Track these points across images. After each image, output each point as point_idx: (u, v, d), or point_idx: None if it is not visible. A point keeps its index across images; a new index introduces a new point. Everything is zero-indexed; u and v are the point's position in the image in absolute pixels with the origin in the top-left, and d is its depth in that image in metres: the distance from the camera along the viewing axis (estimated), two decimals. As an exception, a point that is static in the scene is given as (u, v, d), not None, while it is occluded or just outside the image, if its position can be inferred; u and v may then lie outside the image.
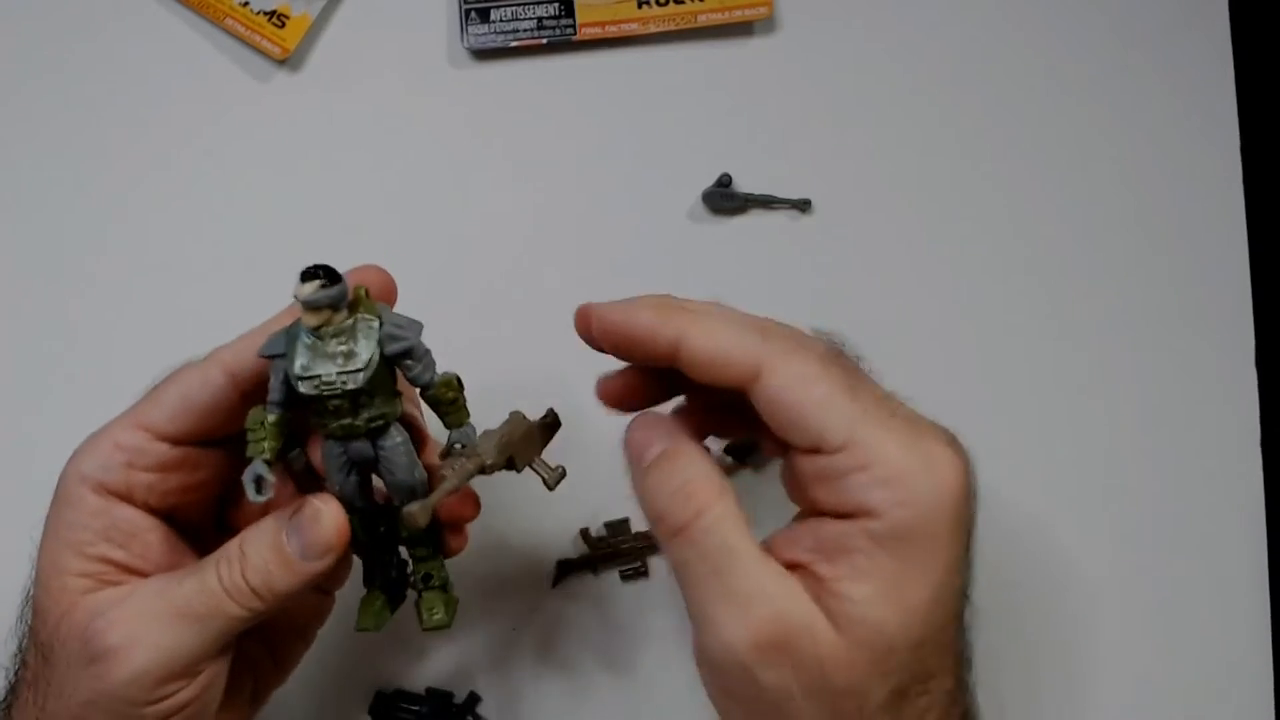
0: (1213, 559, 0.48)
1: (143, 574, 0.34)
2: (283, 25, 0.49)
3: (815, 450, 0.31)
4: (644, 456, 0.33)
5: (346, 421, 0.32)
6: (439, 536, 0.37)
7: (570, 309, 0.48)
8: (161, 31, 0.50)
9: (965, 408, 0.48)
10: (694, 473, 0.32)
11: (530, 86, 0.50)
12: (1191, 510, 0.48)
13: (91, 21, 0.50)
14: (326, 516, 0.33)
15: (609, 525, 0.47)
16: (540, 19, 0.50)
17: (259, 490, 0.32)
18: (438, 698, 0.46)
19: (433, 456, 0.36)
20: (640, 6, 0.50)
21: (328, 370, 0.31)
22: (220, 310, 0.48)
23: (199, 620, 0.32)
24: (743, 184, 0.50)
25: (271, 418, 0.32)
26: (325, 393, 0.32)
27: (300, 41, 0.49)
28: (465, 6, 0.50)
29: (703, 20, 0.50)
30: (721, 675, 0.31)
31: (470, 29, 0.50)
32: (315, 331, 0.31)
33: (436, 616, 0.37)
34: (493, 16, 0.50)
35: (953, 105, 0.51)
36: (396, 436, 0.34)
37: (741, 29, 0.51)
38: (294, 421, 0.33)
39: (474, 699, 0.46)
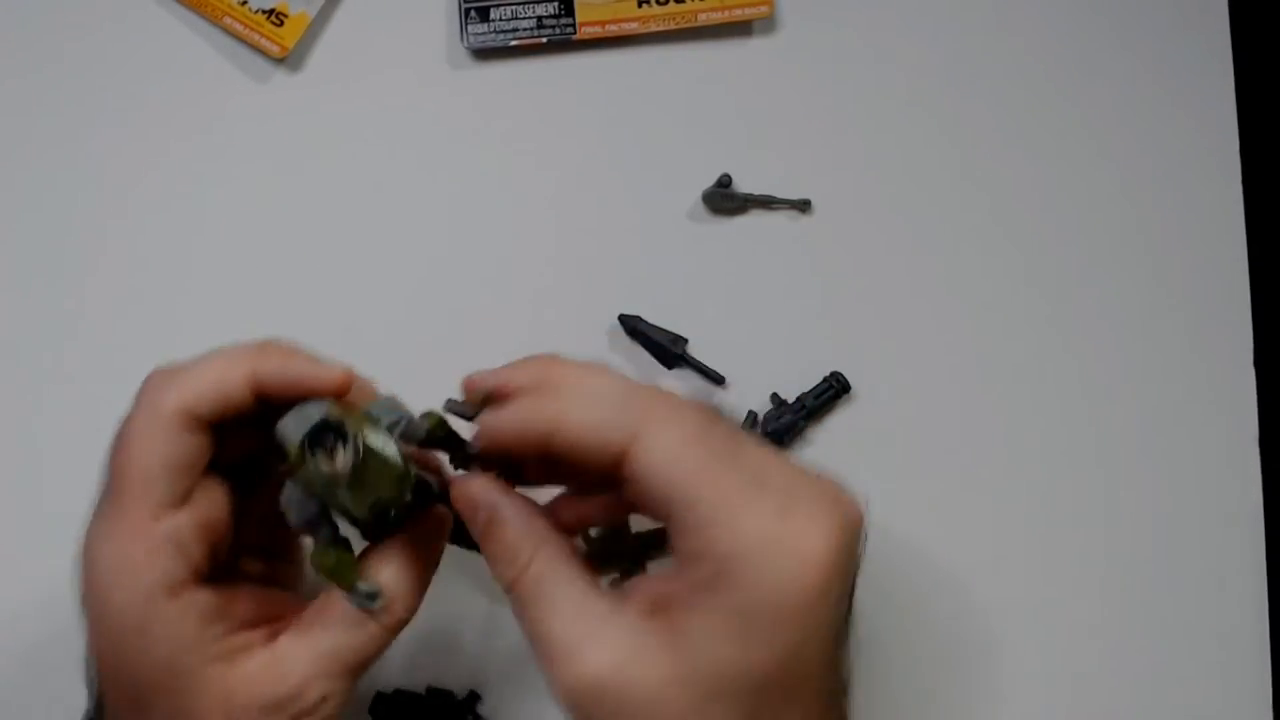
0: (1211, 559, 0.48)
1: (249, 626, 0.35)
2: (281, 24, 0.49)
3: (679, 514, 0.31)
4: (475, 521, 0.34)
5: (399, 507, 0.34)
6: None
7: (570, 308, 0.49)
8: (159, 30, 0.50)
9: (965, 407, 0.49)
10: (512, 534, 0.33)
11: (530, 86, 0.50)
12: (1190, 510, 0.48)
13: (89, 20, 0.50)
14: (444, 519, 0.36)
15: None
16: (540, 18, 0.50)
17: (373, 600, 0.34)
18: (438, 697, 0.46)
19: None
20: (640, 6, 0.50)
21: (382, 492, 0.33)
22: (219, 310, 0.48)
23: (369, 661, 0.35)
24: (743, 184, 0.50)
25: (339, 553, 0.34)
26: (386, 503, 0.33)
27: (299, 40, 0.49)
28: (465, 6, 0.50)
29: (703, 20, 0.50)
30: (567, 715, 0.33)
31: (470, 28, 0.50)
32: (351, 478, 0.32)
33: None
34: (492, 16, 0.50)
35: (952, 105, 0.51)
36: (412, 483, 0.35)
37: (741, 29, 0.51)
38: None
39: (474, 699, 0.46)
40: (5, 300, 0.48)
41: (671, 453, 0.31)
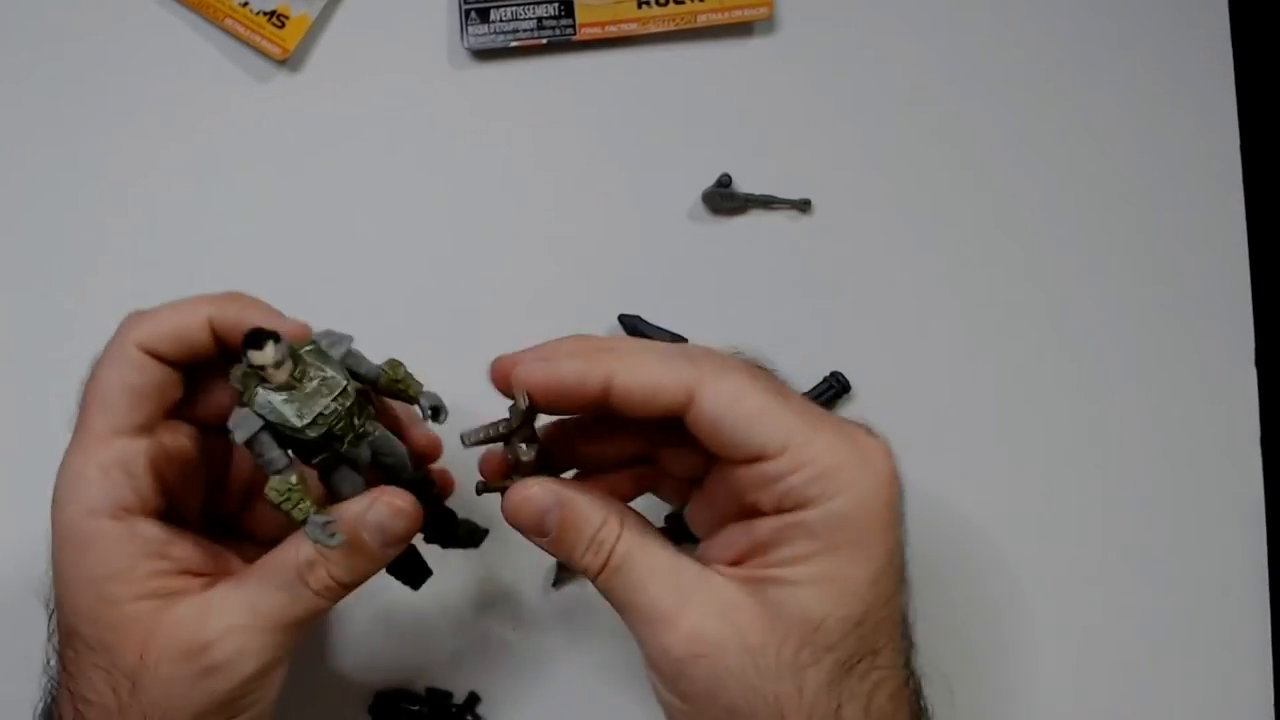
0: (1212, 558, 0.48)
1: (190, 573, 0.35)
2: (282, 25, 0.49)
3: (756, 459, 0.32)
4: (545, 528, 0.34)
5: (351, 435, 0.34)
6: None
7: (570, 308, 0.49)
8: (161, 31, 0.50)
9: (965, 406, 0.49)
10: (593, 524, 0.34)
11: (530, 87, 0.50)
12: (1191, 510, 0.48)
13: (91, 21, 0.50)
14: (408, 509, 0.35)
15: (609, 525, 0.47)
16: (540, 19, 0.50)
17: (331, 535, 0.33)
18: (438, 698, 0.46)
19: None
20: (640, 6, 0.50)
21: (325, 405, 0.33)
22: (220, 310, 0.48)
23: (295, 623, 0.34)
24: (743, 184, 0.50)
25: (293, 479, 0.33)
26: (335, 426, 0.34)
27: (300, 42, 0.49)
28: (465, 7, 0.50)
29: (702, 20, 0.50)
30: (665, 682, 0.33)
31: (470, 29, 0.50)
32: (288, 385, 0.33)
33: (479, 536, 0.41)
34: (492, 17, 0.50)
35: (952, 105, 0.51)
36: (373, 427, 0.36)
37: (741, 29, 0.51)
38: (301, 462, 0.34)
39: (474, 699, 0.46)
40: (5, 300, 0.48)
41: (736, 393, 0.32)
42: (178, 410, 0.36)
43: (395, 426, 0.38)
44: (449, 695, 0.46)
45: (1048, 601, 0.47)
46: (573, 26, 0.50)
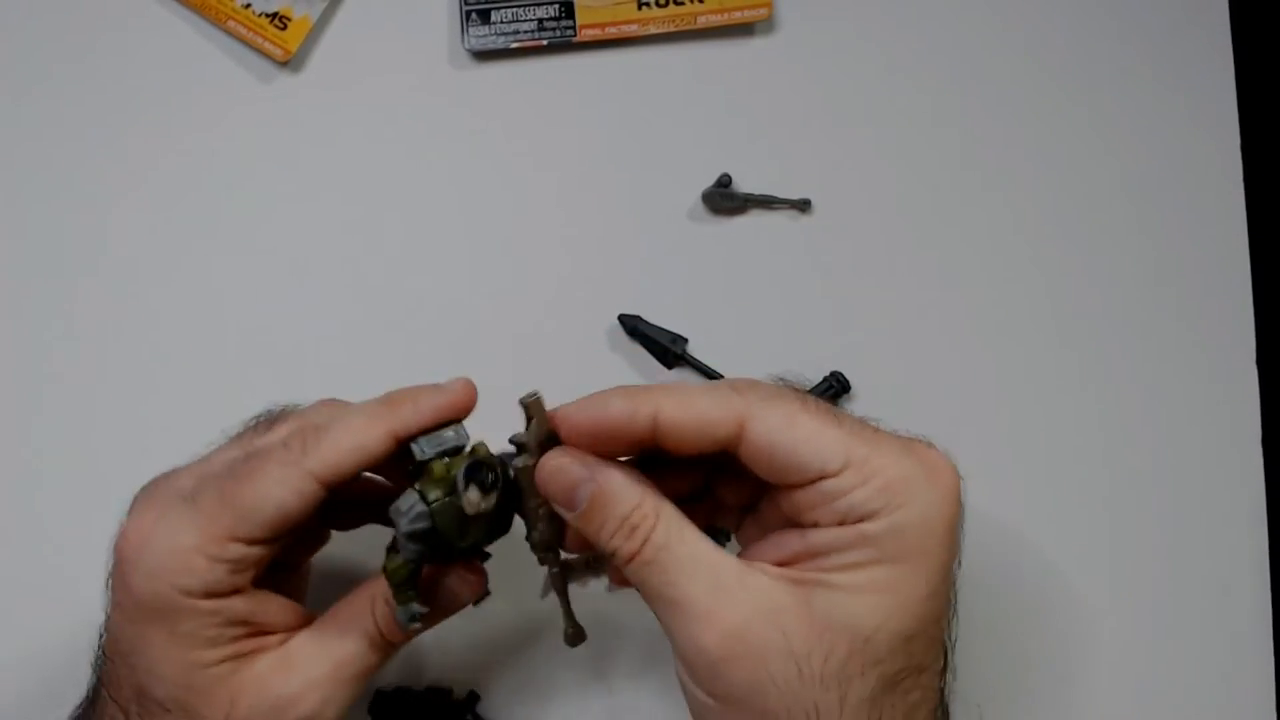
0: (1213, 558, 0.48)
1: (270, 630, 0.36)
2: (284, 27, 0.50)
3: (817, 479, 0.32)
4: (574, 501, 0.33)
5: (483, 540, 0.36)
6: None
7: (570, 309, 0.49)
8: (163, 33, 0.50)
9: (965, 406, 0.49)
10: (628, 504, 0.33)
11: (530, 88, 0.51)
12: (1192, 509, 0.48)
13: (93, 23, 0.50)
14: (474, 581, 0.37)
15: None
16: (540, 20, 0.50)
17: (413, 621, 0.35)
18: (437, 696, 0.46)
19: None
20: (640, 8, 0.50)
21: (479, 535, 0.35)
22: (220, 310, 0.49)
23: (369, 672, 0.36)
24: (743, 184, 0.50)
25: (412, 570, 0.35)
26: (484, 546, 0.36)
27: (302, 43, 0.49)
28: (466, 8, 0.50)
29: (702, 21, 0.50)
30: (698, 680, 0.32)
31: (471, 30, 0.50)
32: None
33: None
34: (493, 18, 0.50)
35: (952, 105, 0.51)
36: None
37: (741, 30, 0.51)
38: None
39: (474, 698, 0.46)
40: (4, 299, 0.48)
41: (788, 419, 0.32)
42: None
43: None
44: (449, 693, 0.46)
45: (1047, 600, 0.47)
46: (573, 28, 0.50)
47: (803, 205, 0.50)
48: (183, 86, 0.50)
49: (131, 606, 0.34)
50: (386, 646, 0.36)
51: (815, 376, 0.48)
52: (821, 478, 0.32)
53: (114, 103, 0.50)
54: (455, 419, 0.35)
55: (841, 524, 0.32)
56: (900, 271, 0.50)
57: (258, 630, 0.35)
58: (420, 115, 0.50)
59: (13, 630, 0.45)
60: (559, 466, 0.34)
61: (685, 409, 0.33)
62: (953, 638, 0.34)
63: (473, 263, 0.49)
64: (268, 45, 0.49)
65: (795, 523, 0.33)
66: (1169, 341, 0.49)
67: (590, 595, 0.47)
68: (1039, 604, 0.47)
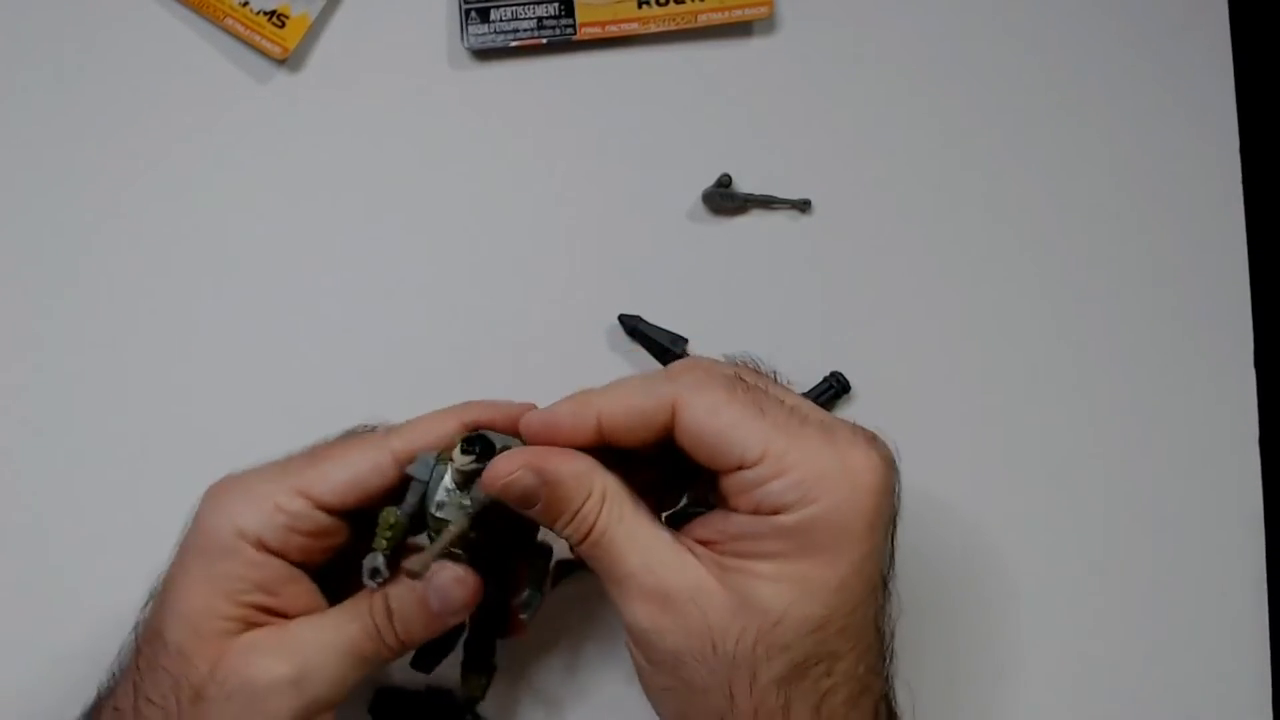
0: (1212, 559, 0.48)
1: (284, 616, 0.36)
2: (282, 25, 0.49)
3: (736, 468, 0.34)
4: (529, 504, 0.35)
5: (460, 552, 0.37)
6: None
7: (570, 309, 0.49)
8: (161, 31, 0.50)
9: (964, 406, 0.49)
10: (574, 503, 0.35)
11: (530, 87, 0.50)
12: (1190, 510, 0.48)
13: (90, 21, 0.50)
14: (468, 580, 0.37)
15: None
16: (540, 19, 0.50)
17: (373, 579, 0.36)
18: (437, 696, 0.46)
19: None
20: (640, 6, 0.50)
21: (453, 517, 0.36)
22: (220, 310, 0.48)
23: (359, 658, 0.36)
24: (743, 184, 0.50)
25: (401, 522, 0.36)
26: (453, 534, 0.36)
27: (300, 41, 0.49)
28: (465, 6, 0.50)
29: (703, 20, 0.50)
30: (635, 644, 0.35)
31: (470, 29, 0.50)
32: (457, 483, 0.36)
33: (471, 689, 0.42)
34: (493, 16, 0.50)
35: (952, 105, 0.51)
36: (494, 575, 0.38)
37: (741, 29, 0.51)
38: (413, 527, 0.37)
39: (474, 699, 0.46)
40: (4, 299, 0.48)
41: (713, 407, 0.34)
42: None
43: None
44: (449, 694, 0.46)
45: (1047, 601, 0.47)
46: (573, 26, 0.50)
47: (803, 205, 0.50)
48: (180, 85, 0.50)
49: (189, 544, 0.36)
50: (379, 645, 0.36)
51: (815, 377, 0.48)
52: (740, 467, 0.33)
53: (111, 101, 0.49)
54: (517, 430, 0.37)
55: (757, 513, 0.33)
56: (900, 271, 0.50)
57: (278, 610, 0.36)
58: (419, 114, 0.50)
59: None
60: (511, 481, 0.35)
61: (619, 404, 0.35)
62: (886, 627, 0.35)
63: (472, 262, 0.49)
64: (266, 43, 0.49)
65: (725, 505, 0.35)
66: (1167, 343, 0.49)
67: (590, 597, 0.47)
68: (1037, 605, 0.47)
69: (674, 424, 0.34)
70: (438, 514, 0.36)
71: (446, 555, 0.36)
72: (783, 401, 0.35)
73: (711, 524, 0.35)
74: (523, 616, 0.38)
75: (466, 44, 0.50)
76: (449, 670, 0.46)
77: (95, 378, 0.47)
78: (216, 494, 0.37)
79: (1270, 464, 0.48)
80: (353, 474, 0.37)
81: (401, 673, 0.46)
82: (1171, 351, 0.49)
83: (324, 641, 0.36)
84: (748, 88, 0.51)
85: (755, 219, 0.50)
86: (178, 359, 0.48)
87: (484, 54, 0.50)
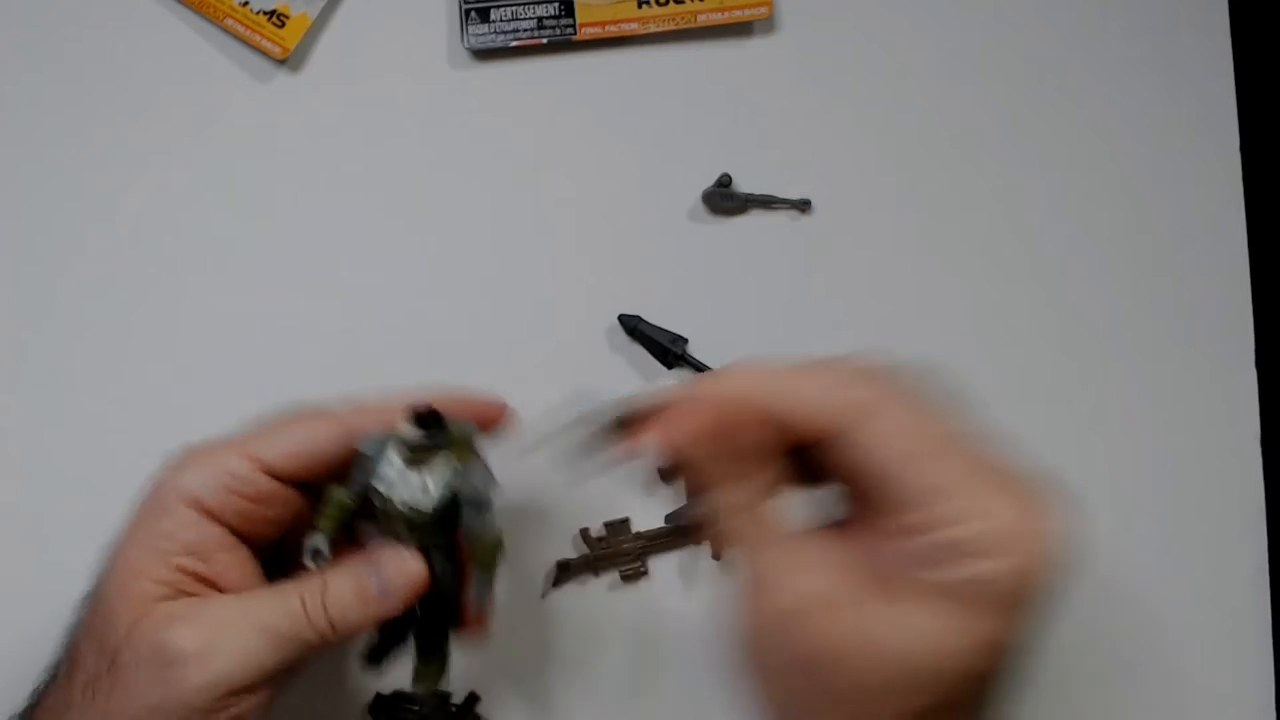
0: (1213, 559, 0.48)
1: (217, 588, 0.35)
2: (282, 25, 0.49)
3: (904, 502, 0.30)
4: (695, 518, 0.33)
5: (403, 533, 0.36)
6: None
7: (570, 309, 0.49)
8: (161, 31, 0.50)
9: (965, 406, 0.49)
10: (728, 506, 0.32)
11: (530, 87, 0.50)
12: (1192, 510, 0.48)
13: (90, 20, 0.50)
14: (411, 563, 0.36)
15: (609, 525, 0.47)
16: (540, 19, 0.50)
17: (314, 560, 0.35)
18: (437, 698, 0.45)
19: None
20: (640, 6, 0.50)
21: (400, 495, 0.35)
22: (218, 310, 0.48)
23: (277, 638, 0.34)
24: (743, 184, 0.50)
25: (345, 501, 0.35)
26: (391, 511, 0.35)
27: (300, 41, 0.49)
28: (465, 6, 0.50)
29: (702, 20, 0.50)
30: (754, 652, 0.32)
31: (470, 29, 0.50)
32: (411, 461, 0.35)
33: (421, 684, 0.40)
34: (493, 16, 0.50)
35: (952, 105, 0.51)
36: (438, 559, 0.37)
37: (741, 29, 0.51)
38: (361, 510, 0.36)
39: (473, 699, 0.46)
40: (4, 299, 0.48)
41: (900, 432, 0.31)
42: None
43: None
44: (448, 695, 0.46)
45: (1046, 601, 0.47)
46: (573, 26, 0.50)
47: (803, 205, 0.50)
48: (180, 85, 0.50)
49: (138, 504, 0.36)
50: (307, 619, 0.34)
51: (815, 377, 0.48)
52: (910, 491, 0.30)
53: (111, 101, 0.49)
54: (479, 422, 0.37)
55: (903, 546, 0.30)
56: (900, 272, 0.50)
57: (209, 579, 0.35)
58: (419, 114, 0.50)
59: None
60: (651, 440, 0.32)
61: (802, 403, 0.31)
62: (999, 708, 0.32)
63: (471, 262, 0.49)
64: (266, 43, 0.49)
65: (883, 526, 0.31)
66: (1168, 342, 0.49)
67: (589, 597, 0.47)
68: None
69: (844, 434, 0.31)
70: (380, 490, 0.35)
71: (394, 539, 0.36)
72: (972, 444, 0.31)
73: (854, 545, 0.31)
74: (470, 605, 0.37)
75: (466, 44, 0.50)
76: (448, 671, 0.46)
77: (95, 378, 0.47)
78: (175, 458, 0.36)
79: (1271, 463, 0.48)
80: (300, 440, 0.36)
81: (401, 675, 0.46)
82: (1172, 351, 0.49)
83: (240, 618, 0.34)
84: (747, 88, 0.51)
85: (755, 219, 0.50)
86: (178, 358, 0.48)
87: (484, 54, 0.50)
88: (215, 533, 0.35)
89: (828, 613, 0.30)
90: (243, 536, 0.36)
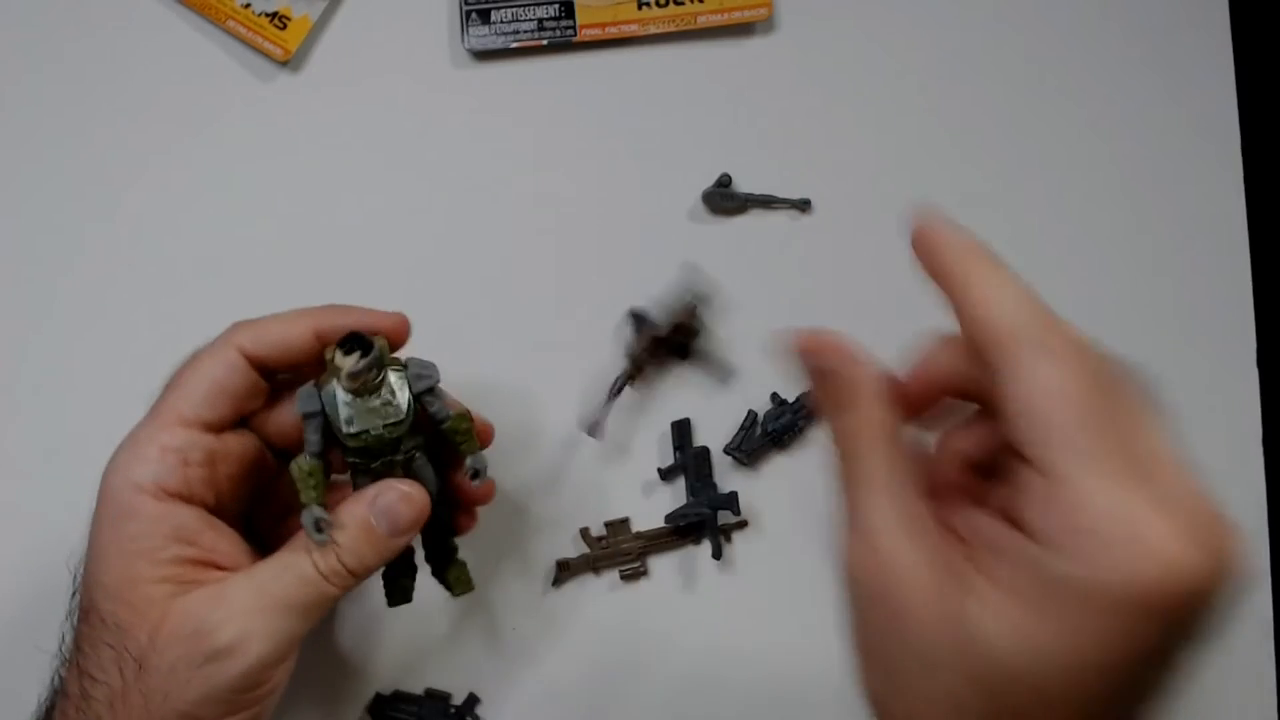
0: (1215, 559, 0.48)
1: (216, 567, 0.36)
2: (284, 27, 0.49)
3: (1032, 463, 0.27)
4: (823, 407, 0.32)
5: (389, 459, 0.37)
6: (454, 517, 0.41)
7: (570, 309, 0.49)
8: (163, 33, 0.50)
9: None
10: (861, 416, 0.32)
11: (531, 87, 0.50)
12: (1193, 510, 0.48)
13: (93, 23, 0.50)
14: (416, 497, 0.36)
15: (609, 525, 0.47)
16: (540, 20, 0.50)
17: (319, 530, 0.35)
18: (436, 699, 0.45)
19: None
20: (640, 8, 0.50)
21: (374, 424, 0.35)
22: (221, 310, 0.48)
23: (303, 608, 0.35)
24: (743, 184, 0.50)
25: (315, 465, 0.35)
26: (373, 444, 0.36)
27: (301, 43, 0.49)
28: (466, 8, 0.50)
29: (702, 21, 0.50)
30: (848, 591, 0.30)
31: (471, 30, 0.50)
32: (357, 392, 0.35)
33: (461, 588, 0.41)
34: (493, 18, 0.50)
35: (952, 105, 0.51)
36: (420, 459, 0.37)
37: (741, 29, 0.51)
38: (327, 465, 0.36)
39: (473, 700, 0.46)
40: (5, 298, 0.48)
41: (1063, 390, 0.27)
42: (250, 420, 0.38)
43: (452, 459, 0.39)
44: (447, 697, 0.46)
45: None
46: (573, 27, 0.50)
47: (803, 205, 0.50)
48: (182, 86, 0.50)
49: (97, 515, 0.35)
50: (326, 581, 0.35)
51: (815, 377, 0.48)
52: (1037, 467, 0.27)
53: (113, 101, 0.49)
54: (386, 335, 0.37)
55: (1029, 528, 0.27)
56: (900, 271, 0.49)
57: (205, 561, 0.35)
58: (420, 115, 0.50)
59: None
60: (818, 341, 0.33)
61: (982, 319, 0.30)
62: None
63: (472, 261, 0.49)
64: (267, 45, 0.49)
65: (1007, 484, 0.29)
66: (1169, 342, 0.49)
67: (589, 599, 0.47)
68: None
69: (1001, 373, 0.28)
70: (354, 430, 0.35)
71: (374, 472, 0.36)
72: (1143, 431, 0.28)
73: (971, 517, 0.30)
74: (475, 483, 0.37)
75: (467, 45, 0.50)
76: (447, 673, 0.46)
77: (95, 378, 0.47)
78: (111, 459, 0.36)
79: (1273, 462, 0.48)
80: (210, 380, 0.36)
81: (400, 676, 0.46)
82: (1174, 351, 0.49)
83: (263, 599, 0.34)
84: (747, 89, 0.51)
85: (755, 219, 0.50)
86: (178, 358, 0.48)
87: (484, 55, 0.51)
88: (190, 513, 0.35)
89: (914, 594, 0.27)
90: (212, 509, 0.36)
